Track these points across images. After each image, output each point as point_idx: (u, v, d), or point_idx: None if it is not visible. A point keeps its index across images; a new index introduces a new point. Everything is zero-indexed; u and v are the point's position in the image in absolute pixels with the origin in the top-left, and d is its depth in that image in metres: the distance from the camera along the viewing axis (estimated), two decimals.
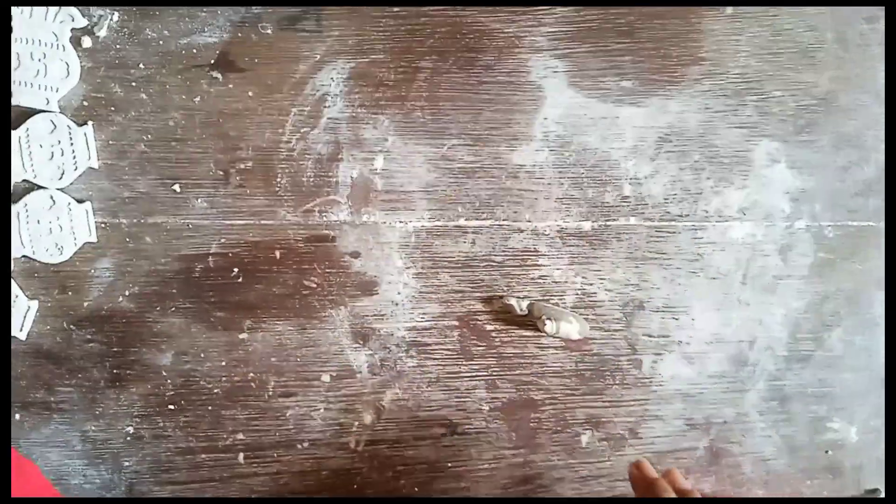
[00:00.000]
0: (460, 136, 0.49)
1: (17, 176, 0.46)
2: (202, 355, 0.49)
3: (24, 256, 0.47)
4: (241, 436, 0.49)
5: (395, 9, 0.48)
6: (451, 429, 0.51)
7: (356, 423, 0.50)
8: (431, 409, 0.51)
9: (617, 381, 0.52)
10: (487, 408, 0.51)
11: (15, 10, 0.45)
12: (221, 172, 0.48)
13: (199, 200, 0.48)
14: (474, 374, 0.51)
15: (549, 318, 0.49)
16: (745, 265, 0.52)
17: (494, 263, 0.50)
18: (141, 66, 0.47)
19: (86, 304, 0.48)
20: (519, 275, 0.51)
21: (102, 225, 0.47)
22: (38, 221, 0.46)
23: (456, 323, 0.50)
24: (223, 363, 0.49)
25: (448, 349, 0.51)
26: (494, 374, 0.51)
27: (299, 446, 0.50)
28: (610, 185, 0.51)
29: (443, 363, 0.51)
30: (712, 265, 0.52)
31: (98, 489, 0.49)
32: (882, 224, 0.53)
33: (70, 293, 0.48)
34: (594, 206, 0.51)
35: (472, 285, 0.50)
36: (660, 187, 0.51)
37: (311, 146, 0.48)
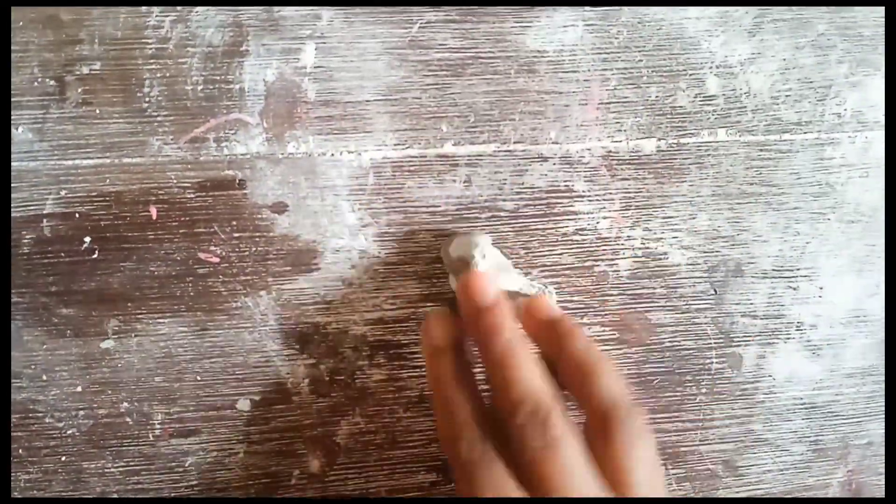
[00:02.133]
0: (439, 5, 0.30)
1: None
2: (44, 377, 0.31)
3: None
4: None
5: None
6: (445, 473, 0.33)
7: (296, 471, 0.32)
8: (414, 444, 0.33)
9: (703, 390, 0.34)
10: None
11: None
12: (53, 82, 0.29)
13: (20, 129, 0.29)
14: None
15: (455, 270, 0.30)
16: None
17: (503, 213, 0.32)
18: None
19: None
20: (542, 230, 0.32)
21: None
22: None
23: (446, 310, 0.32)
24: (79, 388, 0.31)
25: None
26: None
27: None
28: (684, 78, 0.32)
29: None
30: (849, 201, 0.33)
31: None
32: None
33: None
34: (660, 115, 0.32)
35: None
36: (764, 80, 0.32)
37: (196, 32, 0.29)
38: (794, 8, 0.32)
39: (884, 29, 0.32)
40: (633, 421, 0.25)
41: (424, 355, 0.29)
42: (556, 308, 0.29)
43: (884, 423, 0.35)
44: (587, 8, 0.31)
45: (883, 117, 0.33)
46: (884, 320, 0.34)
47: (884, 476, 0.35)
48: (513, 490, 0.24)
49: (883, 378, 0.34)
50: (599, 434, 0.25)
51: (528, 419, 0.25)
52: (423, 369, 0.32)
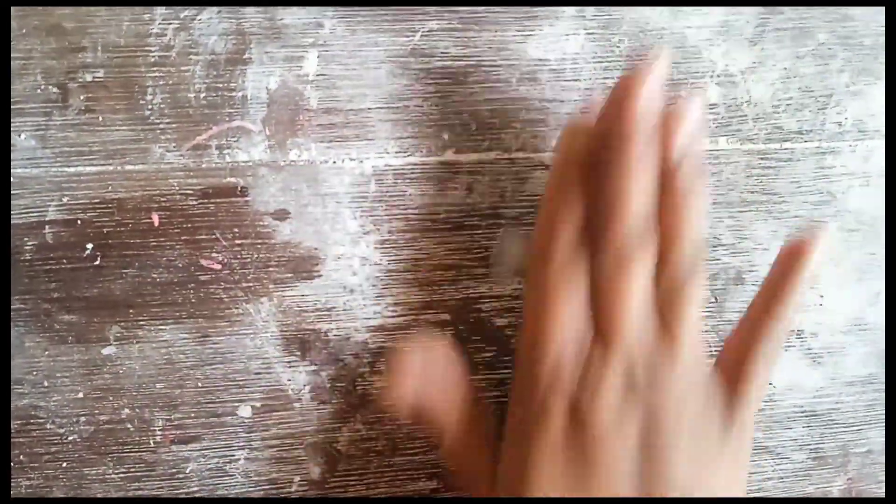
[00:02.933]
0: (441, 14, 0.30)
1: None
2: (46, 384, 0.31)
3: None
4: None
5: None
6: (446, 480, 0.33)
7: (297, 478, 0.32)
8: (415, 451, 0.33)
9: None
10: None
11: None
12: (56, 89, 0.29)
13: (23, 136, 0.29)
14: (480, 395, 0.32)
15: None
16: None
17: (504, 221, 0.32)
18: None
19: None
20: None
21: None
22: None
23: (447, 317, 0.32)
24: (80, 394, 0.31)
25: None
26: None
27: None
28: (686, 87, 0.32)
29: None
30: (850, 209, 0.33)
31: None
32: None
33: None
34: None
35: (470, 256, 0.32)
36: (765, 88, 0.32)
37: (199, 40, 0.30)
38: (794, 17, 0.32)
39: (884, 37, 0.32)
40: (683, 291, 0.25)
41: (555, 160, 0.28)
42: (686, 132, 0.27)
43: (884, 430, 0.35)
44: (588, 17, 0.31)
45: (883, 126, 0.33)
46: (884, 328, 0.34)
47: (883, 484, 0.35)
48: (580, 317, 0.25)
49: (883, 386, 0.34)
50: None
51: (619, 253, 0.25)
52: None
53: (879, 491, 0.35)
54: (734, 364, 0.27)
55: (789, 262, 0.28)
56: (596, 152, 0.26)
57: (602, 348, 0.25)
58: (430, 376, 0.29)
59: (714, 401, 0.26)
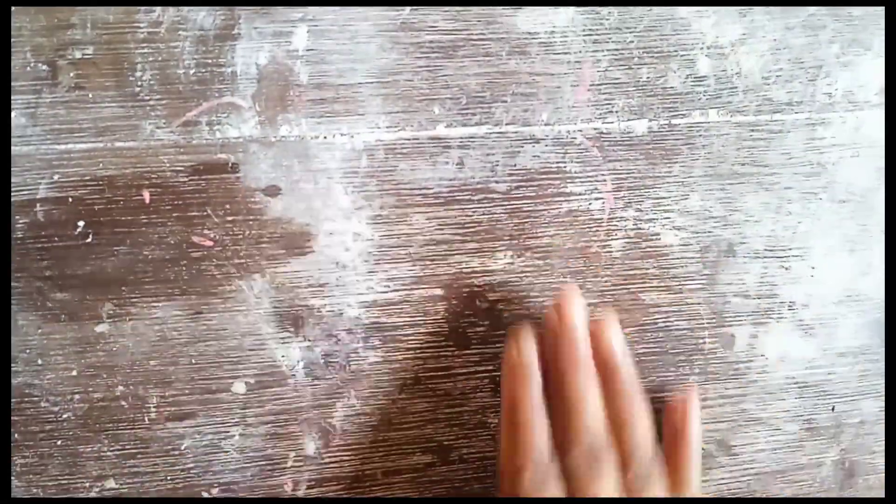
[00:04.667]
0: None
1: None
2: (39, 361, 0.31)
3: None
4: (111, 483, 0.32)
5: None
6: (440, 455, 0.33)
7: (292, 454, 0.32)
8: (409, 426, 0.33)
9: (696, 370, 0.34)
10: (496, 420, 0.33)
11: None
12: (46, 66, 0.29)
13: (13, 114, 0.29)
14: (473, 369, 0.33)
15: None
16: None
17: (496, 195, 0.32)
18: None
19: None
20: (534, 211, 0.32)
21: None
22: None
23: (440, 292, 0.32)
24: (74, 372, 0.31)
25: (430, 334, 0.32)
26: None
27: (206, 494, 0.32)
28: (675, 59, 0.32)
29: (423, 356, 0.32)
30: (840, 181, 0.33)
31: None
32: None
33: None
34: (651, 95, 0.32)
35: (461, 231, 0.32)
36: (755, 60, 0.32)
37: (188, 16, 0.30)
38: None
39: (882, 20, 0.32)
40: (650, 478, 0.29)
41: (504, 371, 0.31)
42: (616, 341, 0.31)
43: (884, 417, 0.35)
44: None
45: (874, 97, 0.33)
46: (883, 301, 0.34)
47: (877, 455, 0.35)
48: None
49: (876, 357, 0.35)
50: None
51: (584, 457, 0.28)
52: (417, 351, 0.32)
53: (872, 461, 0.35)
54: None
55: (677, 428, 0.31)
56: (546, 346, 0.30)
57: None
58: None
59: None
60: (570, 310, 0.30)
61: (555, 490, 0.28)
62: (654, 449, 0.30)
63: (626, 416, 0.29)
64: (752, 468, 0.35)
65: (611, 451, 0.29)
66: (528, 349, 0.30)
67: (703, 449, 0.34)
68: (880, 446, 0.35)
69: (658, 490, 0.29)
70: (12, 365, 0.30)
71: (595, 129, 0.32)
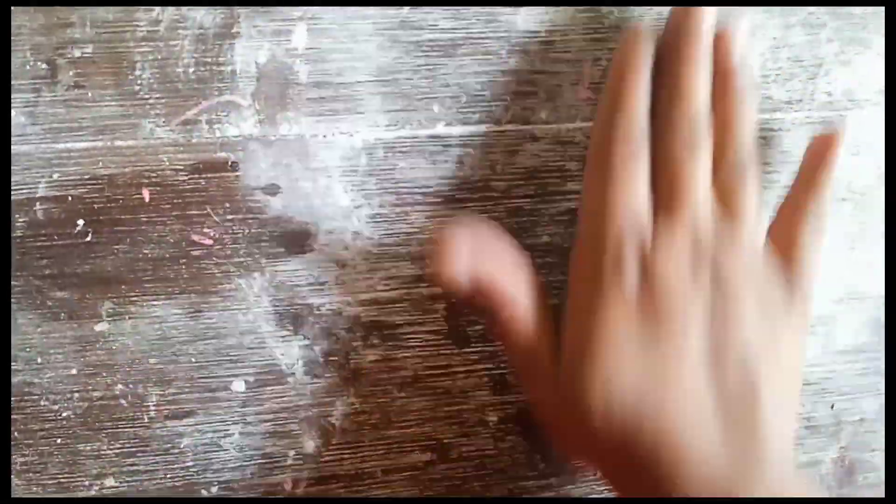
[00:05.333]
0: None
1: None
2: (39, 360, 0.31)
3: None
4: (110, 481, 0.32)
5: None
6: (440, 453, 0.33)
7: (292, 452, 0.32)
8: (409, 424, 0.33)
9: None
10: (496, 418, 0.33)
11: None
12: (45, 65, 0.29)
13: (13, 112, 0.29)
14: (472, 367, 0.33)
15: None
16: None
17: (495, 194, 0.32)
18: None
19: None
20: (534, 210, 0.32)
21: None
22: None
23: (439, 290, 0.32)
24: (73, 371, 0.31)
25: (429, 332, 0.32)
26: (504, 366, 0.33)
27: (205, 493, 0.32)
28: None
29: (422, 354, 0.32)
30: (840, 179, 0.33)
31: None
32: None
33: None
34: None
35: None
36: (755, 58, 0.32)
37: (188, 14, 0.30)
38: None
39: (882, 18, 0.32)
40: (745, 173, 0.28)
41: (614, 59, 0.30)
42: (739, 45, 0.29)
43: (884, 415, 0.35)
44: None
45: (874, 95, 0.33)
46: (883, 299, 0.34)
47: (877, 453, 0.35)
48: (645, 192, 0.27)
49: (876, 355, 0.35)
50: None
51: (680, 141, 0.27)
52: (417, 349, 0.32)
53: (872, 458, 0.35)
54: (787, 240, 0.29)
55: (821, 149, 0.30)
56: (661, 49, 0.29)
57: (670, 219, 0.27)
58: (484, 247, 0.28)
59: (775, 272, 0.28)
60: (701, 10, 0.28)
61: (644, 159, 0.27)
62: (754, 151, 0.28)
63: (732, 116, 0.28)
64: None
65: (709, 140, 0.28)
66: (646, 39, 0.29)
67: None
68: (880, 444, 0.35)
69: (751, 190, 0.28)
70: (12, 363, 0.30)
71: None
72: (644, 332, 0.26)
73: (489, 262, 0.28)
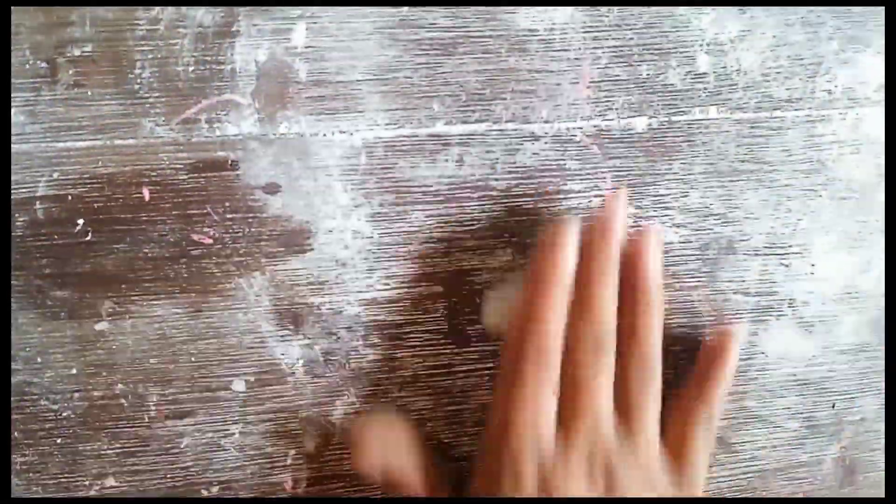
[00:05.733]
0: None
1: None
2: (39, 360, 0.31)
3: None
4: (111, 481, 0.32)
5: None
6: (440, 453, 0.33)
7: (292, 451, 0.32)
8: (409, 424, 0.33)
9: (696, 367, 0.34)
10: None
11: None
12: (45, 64, 0.29)
13: (13, 111, 0.29)
14: (472, 366, 0.33)
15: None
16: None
17: (495, 193, 0.32)
18: None
19: None
20: (534, 209, 0.32)
21: None
22: None
23: (439, 289, 0.32)
24: (73, 370, 0.31)
25: (429, 331, 0.32)
26: None
27: (205, 492, 0.32)
28: (675, 56, 0.32)
29: (422, 353, 0.32)
30: (841, 178, 0.33)
31: None
32: None
33: None
34: (651, 93, 0.32)
35: (461, 229, 0.32)
36: (755, 57, 0.32)
37: (187, 13, 0.30)
38: None
39: (881, 16, 0.32)
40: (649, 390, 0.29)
41: (542, 246, 0.30)
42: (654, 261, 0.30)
43: (884, 414, 0.35)
44: None
45: (873, 93, 0.33)
46: (883, 298, 0.34)
47: (878, 453, 0.35)
48: (550, 408, 0.28)
49: (876, 354, 0.35)
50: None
51: (591, 348, 0.29)
52: (417, 349, 0.32)
53: (873, 458, 0.35)
54: (678, 446, 0.30)
55: (715, 349, 0.32)
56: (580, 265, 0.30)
57: (570, 434, 0.28)
58: (391, 443, 0.30)
59: (666, 474, 0.30)
60: (615, 215, 0.30)
61: (552, 375, 0.28)
62: (657, 366, 0.30)
63: (638, 329, 0.29)
64: (752, 466, 0.35)
65: (612, 357, 0.29)
66: (570, 233, 0.29)
67: None
68: (881, 443, 0.35)
69: (651, 407, 0.29)
70: (12, 363, 0.30)
71: (595, 126, 0.32)
72: None
73: (394, 457, 0.30)
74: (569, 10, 0.31)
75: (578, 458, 0.28)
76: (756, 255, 0.33)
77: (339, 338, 0.32)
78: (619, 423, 0.29)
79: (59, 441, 0.31)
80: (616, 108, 0.32)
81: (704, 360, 0.32)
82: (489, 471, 0.29)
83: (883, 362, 0.35)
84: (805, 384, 0.34)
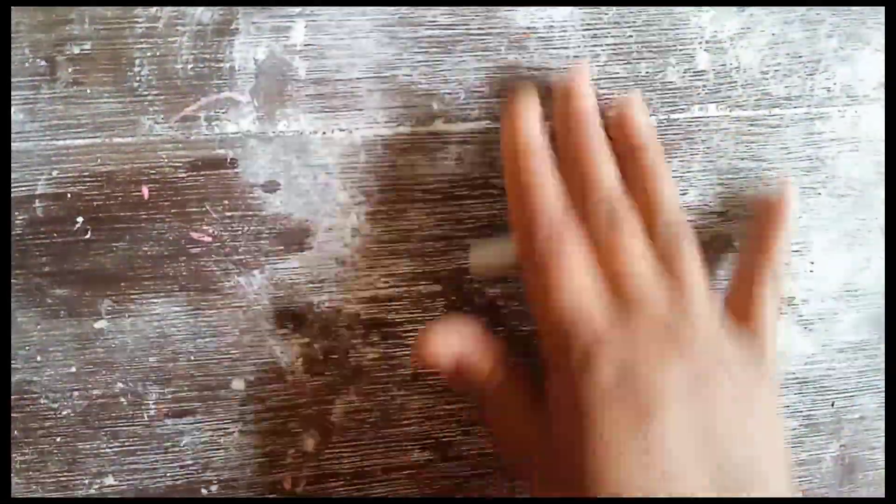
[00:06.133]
0: None
1: None
2: (39, 358, 0.31)
3: None
4: (110, 480, 0.32)
5: None
6: (439, 451, 0.33)
7: (291, 450, 0.32)
8: (409, 422, 0.33)
9: None
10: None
11: None
12: (44, 62, 0.29)
13: (12, 109, 0.29)
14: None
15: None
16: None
17: (494, 191, 0.32)
18: None
19: None
20: None
21: None
22: None
23: (438, 288, 0.32)
24: (73, 369, 0.31)
25: None
26: None
27: (204, 491, 0.32)
28: (674, 53, 0.32)
29: None
30: (840, 175, 0.33)
31: None
32: None
33: None
34: (650, 90, 0.32)
35: (460, 227, 0.32)
36: (754, 54, 0.32)
37: (186, 11, 0.30)
38: None
39: (881, 14, 0.32)
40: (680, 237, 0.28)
41: (504, 142, 0.29)
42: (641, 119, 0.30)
43: (884, 412, 0.35)
44: None
45: (872, 91, 0.33)
46: (883, 296, 0.34)
47: (877, 451, 0.35)
48: (588, 274, 0.26)
49: (876, 352, 0.35)
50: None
51: (602, 211, 0.27)
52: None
53: (873, 456, 0.35)
54: (746, 309, 0.29)
55: (772, 210, 0.30)
56: (553, 125, 0.29)
57: (624, 305, 0.26)
58: (465, 337, 0.29)
59: (738, 343, 0.27)
60: (582, 86, 0.28)
61: (575, 245, 0.26)
62: (684, 219, 0.28)
63: (652, 194, 0.28)
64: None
65: (632, 211, 0.27)
66: (531, 118, 0.28)
67: None
68: (880, 442, 0.35)
69: (692, 256, 0.27)
70: (11, 361, 0.30)
71: None
72: (631, 419, 0.24)
73: (469, 350, 0.29)
74: (568, 7, 0.31)
75: (641, 326, 0.26)
76: None
77: (338, 336, 0.32)
78: (667, 280, 0.27)
79: (58, 439, 0.31)
80: (616, 106, 0.32)
81: (762, 216, 0.30)
82: (556, 359, 0.27)
83: (882, 360, 0.34)
84: (804, 382, 0.34)
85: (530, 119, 0.28)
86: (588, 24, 0.31)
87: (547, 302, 0.26)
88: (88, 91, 0.29)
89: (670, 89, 0.32)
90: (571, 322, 0.26)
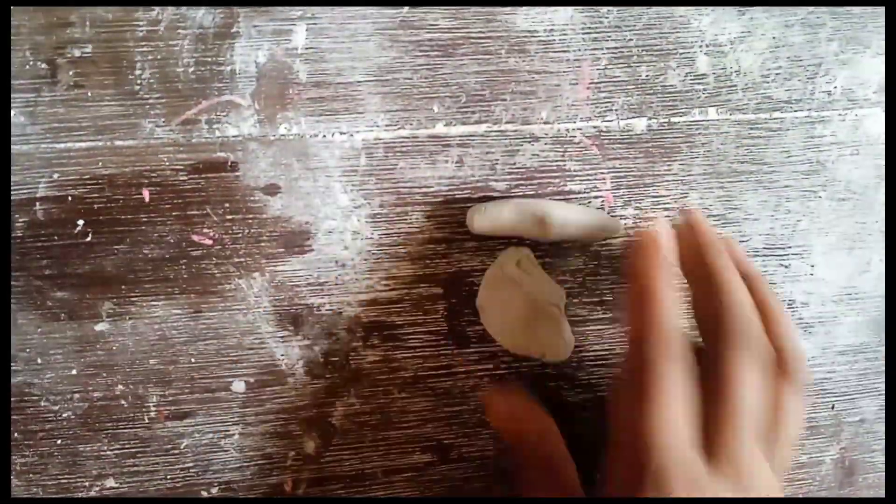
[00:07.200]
0: None
1: None
2: (39, 360, 0.31)
3: None
4: (111, 482, 0.32)
5: None
6: (440, 454, 0.33)
7: (292, 452, 0.32)
8: (409, 425, 0.33)
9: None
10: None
11: None
12: (45, 65, 0.29)
13: (13, 113, 0.29)
14: (472, 367, 0.33)
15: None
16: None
17: (495, 193, 0.32)
18: None
19: None
20: None
21: None
22: None
23: (439, 290, 0.32)
24: (74, 371, 0.31)
25: (429, 332, 0.32)
26: (504, 366, 0.33)
27: (205, 493, 0.32)
28: (675, 57, 0.32)
29: (422, 354, 0.32)
30: (840, 179, 0.33)
31: None
32: None
33: None
34: (651, 94, 0.32)
35: (461, 230, 0.32)
36: (754, 58, 0.32)
37: (187, 14, 0.30)
38: None
39: (881, 17, 0.32)
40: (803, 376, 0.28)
41: (634, 251, 0.28)
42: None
43: (883, 415, 0.35)
44: None
45: (873, 94, 0.33)
46: (882, 299, 0.34)
47: (877, 454, 0.35)
48: (688, 390, 0.25)
49: (876, 355, 0.35)
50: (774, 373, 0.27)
51: (732, 341, 0.26)
52: (417, 350, 0.32)
53: (872, 459, 0.35)
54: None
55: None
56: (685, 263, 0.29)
57: (714, 465, 0.25)
58: (522, 405, 0.31)
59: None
60: (705, 224, 0.29)
61: (681, 365, 0.25)
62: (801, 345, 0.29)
63: (777, 326, 0.27)
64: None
65: (767, 347, 0.26)
66: (663, 232, 0.28)
67: None
68: (880, 445, 0.35)
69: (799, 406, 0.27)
70: (12, 364, 0.30)
71: (594, 127, 0.32)
72: None
73: (524, 415, 0.31)
74: (568, 11, 0.31)
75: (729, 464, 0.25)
76: (755, 255, 0.33)
77: (338, 339, 0.32)
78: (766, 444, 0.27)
79: (59, 442, 0.31)
80: (616, 110, 0.32)
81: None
82: (628, 484, 0.25)
83: (882, 363, 0.35)
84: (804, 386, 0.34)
85: (666, 247, 0.28)
86: (589, 28, 0.31)
87: (643, 428, 0.25)
88: (89, 94, 0.29)
89: (671, 93, 0.32)
90: (664, 459, 0.24)
